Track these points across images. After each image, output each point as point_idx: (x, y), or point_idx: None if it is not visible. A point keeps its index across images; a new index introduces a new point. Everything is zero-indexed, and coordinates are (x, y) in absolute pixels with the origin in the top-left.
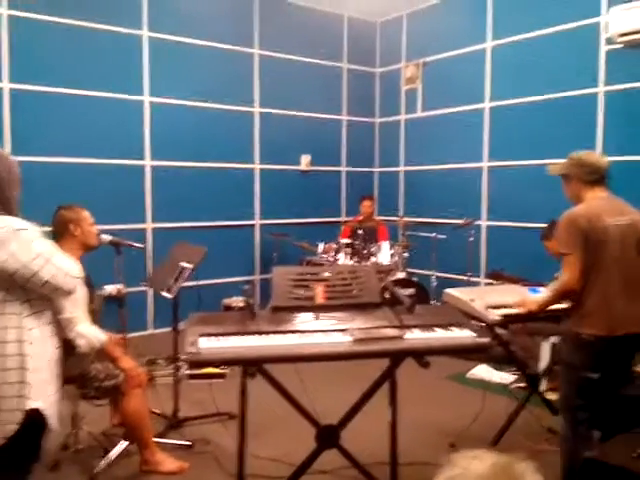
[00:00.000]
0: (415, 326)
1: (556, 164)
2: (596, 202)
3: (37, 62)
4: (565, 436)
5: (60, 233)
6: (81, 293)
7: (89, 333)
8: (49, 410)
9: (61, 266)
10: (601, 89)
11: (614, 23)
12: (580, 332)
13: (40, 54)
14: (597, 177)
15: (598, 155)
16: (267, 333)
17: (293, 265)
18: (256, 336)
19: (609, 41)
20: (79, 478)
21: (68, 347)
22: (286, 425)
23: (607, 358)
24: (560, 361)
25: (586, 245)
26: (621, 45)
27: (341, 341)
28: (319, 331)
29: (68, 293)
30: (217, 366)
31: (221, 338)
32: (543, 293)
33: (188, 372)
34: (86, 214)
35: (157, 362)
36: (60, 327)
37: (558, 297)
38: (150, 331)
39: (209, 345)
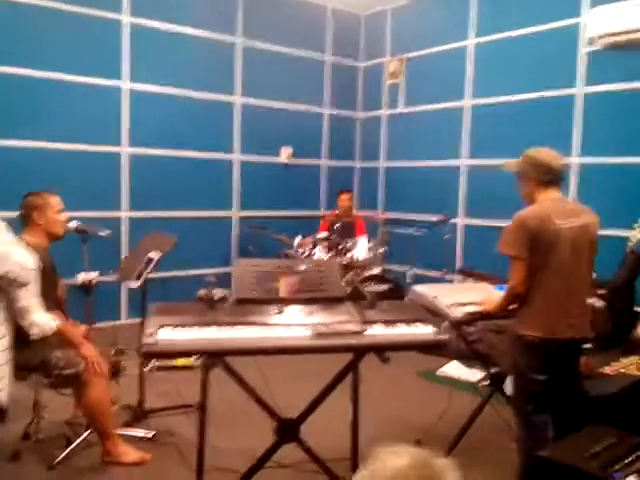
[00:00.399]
0: (377, 321)
1: (512, 161)
2: (549, 203)
3: (11, 44)
4: (519, 437)
5: (25, 220)
6: (36, 280)
7: (42, 321)
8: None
9: (17, 260)
10: (580, 90)
11: (594, 24)
12: (524, 334)
13: (15, 36)
14: (551, 178)
15: (554, 155)
16: (228, 325)
17: (270, 258)
18: (216, 328)
19: (589, 42)
20: (39, 468)
21: (26, 335)
22: (250, 418)
23: (552, 360)
24: (510, 364)
25: (536, 247)
26: (601, 47)
27: (302, 335)
28: (281, 324)
29: (24, 285)
30: (189, 357)
31: (180, 329)
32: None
33: (157, 364)
34: (53, 201)
35: (126, 352)
36: (12, 315)
37: (508, 301)
38: (123, 321)
39: (167, 336)
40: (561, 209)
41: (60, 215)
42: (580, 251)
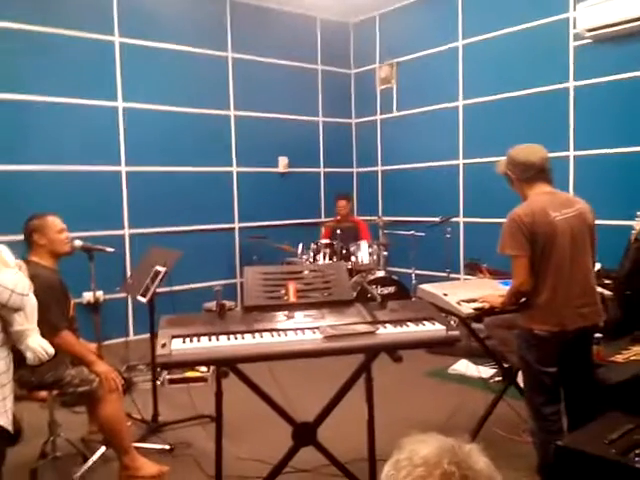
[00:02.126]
0: (387, 321)
1: (500, 162)
2: (539, 197)
3: (8, 70)
4: (533, 429)
5: (29, 243)
6: (32, 305)
7: (36, 346)
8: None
9: (5, 285)
10: (571, 84)
11: (582, 19)
12: (532, 328)
13: (11, 62)
14: (532, 174)
15: (533, 150)
16: (239, 333)
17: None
18: (228, 336)
19: (577, 37)
20: None
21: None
22: (265, 425)
23: (563, 351)
24: (519, 357)
25: (534, 242)
26: (589, 40)
27: (314, 338)
28: (291, 329)
29: (15, 310)
30: (203, 366)
31: (193, 339)
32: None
33: (168, 377)
34: (51, 221)
35: (137, 368)
36: (9, 338)
37: (512, 299)
38: (131, 337)
39: (180, 347)
40: (553, 201)
41: (62, 234)
42: (579, 239)
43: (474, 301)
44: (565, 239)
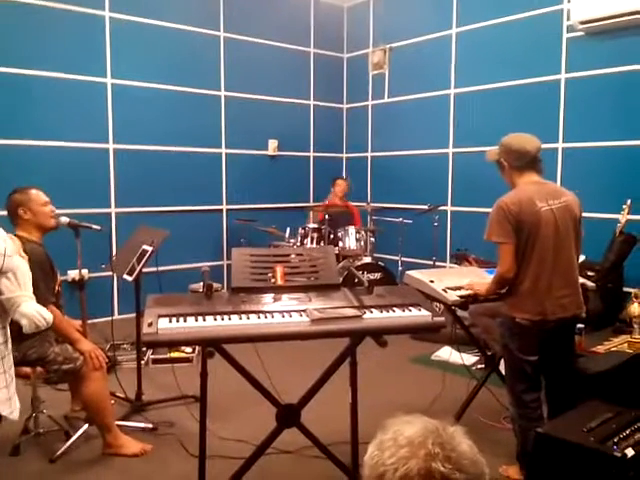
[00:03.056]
0: (374, 306)
1: (491, 150)
2: (528, 187)
3: None
4: (513, 417)
5: (13, 217)
6: (24, 272)
7: (31, 312)
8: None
9: None
10: (562, 76)
11: (575, 11)
12: (515, 317)
13: None
14: (525, 162)
15: (527, 139)
16: (226, 314)
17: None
18: (214, 317)
19: (570, 29)
20: (40, 462)
21: (21, 329)
22: (250, 406)
23: (544, 340)
24: (501, 346)
25: (519, 231)
26: (582, 33)
27: (300, 321)
28: (278, 312)
29: (3, 274)
30: (189, 346)
31: (179, 319)
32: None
33: (153, 357)
34: (35, 195)
35: (122, 347)
36: (2, 309)
37: (498, 286)
38: (116, 317)
39: (167, 326)
40: (540, 192)
41: (45, 207)
42: (563, 231)
43: (460, 289)
44: (549, 230)
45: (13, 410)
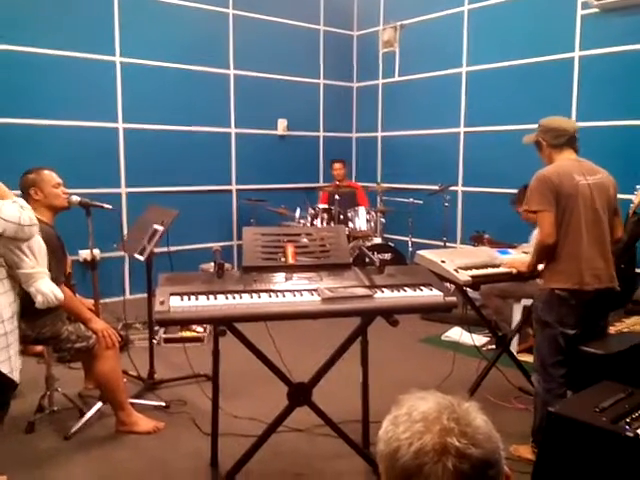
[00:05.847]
0: (385, 286)
1: (529, 134)
2: (566, 162)
3: (4, 22)
4: (537, 392)
5: (25, 198)
6: (41, 248)
7: (47, 289)
8: (2, 364)
9: (10, 217)
10: (577, 54)
11: None
12: (553, 287)
13: (5, 14)
14: (564, 140)
15: (564, 119)
16: (237, 292)
17: None
18: (226, 295)
19: (585, 5)
20: (55, 439)
21: (35, 308)
22: (262, 385)
23: (580, 313)
24: (536, 319)
25: (558, 202)
26: (597, 9)
27: (311, 300)
28: (289, 290)
29: (26, 240)
30: (200, 325)
31: (191, 297)
32: (513, 254)
33: (164, 336)
34: (48, 176)
35: (134, 326)
36: (15, 283)
37: (539, 255)
38: (127, 296)
39: (179, 304)
40: (578, 167)
41: (58, 188)
42: (599, 205)
43: (471, 268)
44: (586, 202)
45: (13, 369)
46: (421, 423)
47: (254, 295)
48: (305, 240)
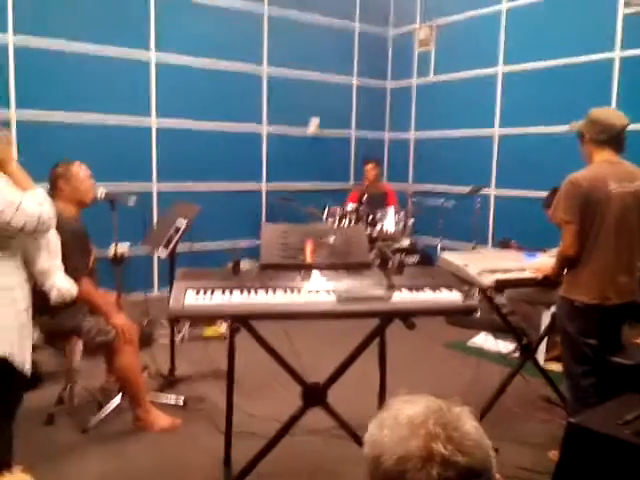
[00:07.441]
0: (404, 287)
1: (578, 122)
2: (603, 165)
3: (41, 15)
4: (568, 401)
5: (54, 190)
6: (55, 241)
7: (62, 285)
8: (18, 357)
9: (31, 212)
10: (617, 54)
11: None
12: (573, 299)
13: (42, 7)
14: (607, 137)
15: (616, 114)
16: (253, 289)
17: None
18: (241, 291)
19: (628, 4)
20: (73, 432)
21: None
22: (279, 385)
23: (600, 325)
24: (558, 328)
25: (585, 210)
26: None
27: (329, 300)
28: (305, 290)
29: (44, 234)
30: (216, 320)
31: (207, 293)
32: (541, 258)
33: (187, 334)
34: (76, 169)
35: (158, 323)
36: (30, 276)
37: (561, 264)
38: (155, 293)
39: (194, 301)
40: (615, 172)
41: (86, 182)
42: (629, 216)
43: (495, 272)
44: (616, 213)
45: (26, 362)
46: (406, 427)
47: (269, 293)
48: (324, 238)
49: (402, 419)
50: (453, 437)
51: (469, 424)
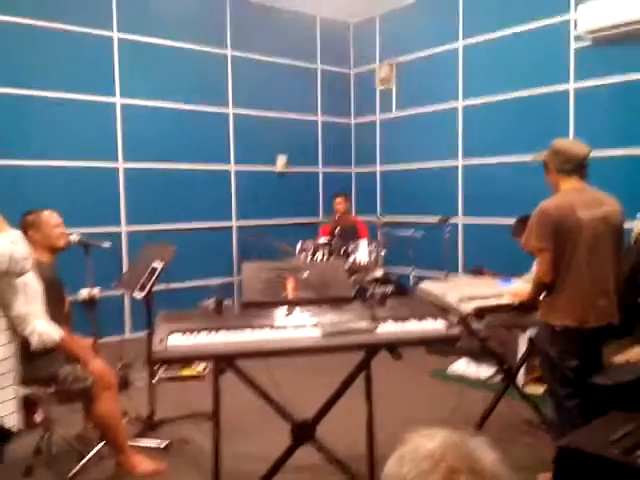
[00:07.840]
0: (388, 318)
1: (539, 153)
2: (571, 193)
3: (6, 64)
4: (552, 422)
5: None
6: (36, 287)
7: (43, 330)
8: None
9: (1, 250)
10: (571, 86)
11: (582, 20)
12: (554, 324)
13: (9, 56)
14: (571, 167)
15: (577, 144)
16: (237, 328)
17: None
18: (225, 331)
19: (578, 39)
20: None
21: (31, 349)
22: (264, 423)
23: (579, 348)
24: (538, 352)
25: (557, 238)
26: (589, 42)
27: (313, 335)
28: (290, 326)
29: (19, 275)
30: (200, 362)
31: (191, 335)
32: (517, 284)
33: (164, 375)
34: (47, 217)
35: (134, 366)
36: (11, 324)
37: (537, 290)
38: (128, 335)
39: (177, 342)
40: (583, 199)
41: (56, 229)
42: (601, 241)
43: (474, 299)
44: (588, 239)
45: (7, 415)
46: (427, 462)
47: (254, 331)
48: (305, 274)
49: (422, 453)
50: (475, 469)
51: (488, 456)
